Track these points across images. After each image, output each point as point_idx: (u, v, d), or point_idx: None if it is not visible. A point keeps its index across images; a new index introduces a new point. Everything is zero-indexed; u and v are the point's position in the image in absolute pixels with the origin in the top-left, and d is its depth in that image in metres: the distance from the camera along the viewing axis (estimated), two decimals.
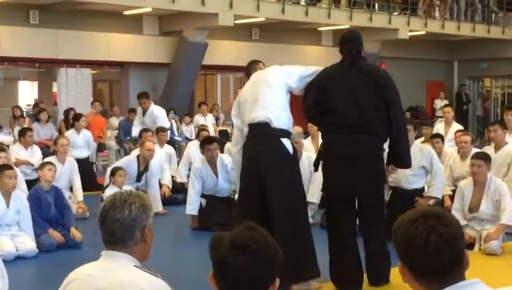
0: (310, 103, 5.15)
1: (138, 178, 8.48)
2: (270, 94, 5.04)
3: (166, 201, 8.82)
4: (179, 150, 12.22)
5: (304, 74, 5.24)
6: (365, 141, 4.93)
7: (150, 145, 8.69)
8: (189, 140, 12.70)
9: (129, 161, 8.63)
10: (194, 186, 7.57)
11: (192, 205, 7.53)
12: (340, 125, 4.97)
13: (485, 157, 6.56)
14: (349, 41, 5.13)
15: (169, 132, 11.66)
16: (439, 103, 20.10)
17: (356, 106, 4.92)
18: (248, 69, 5.51)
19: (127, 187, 7.46)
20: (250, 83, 5.29)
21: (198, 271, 4.78)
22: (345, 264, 5.02)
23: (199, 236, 6.99)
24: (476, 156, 6.61)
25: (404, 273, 1.86)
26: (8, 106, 16.06)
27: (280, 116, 5.00)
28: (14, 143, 10.38)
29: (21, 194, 6.57)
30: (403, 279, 1.87)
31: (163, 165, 9.51)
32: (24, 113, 14.82)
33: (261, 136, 4.98)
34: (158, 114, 11.14)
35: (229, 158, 7.82)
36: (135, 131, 11.08)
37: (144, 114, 11.26)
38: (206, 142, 7.72)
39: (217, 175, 7.60)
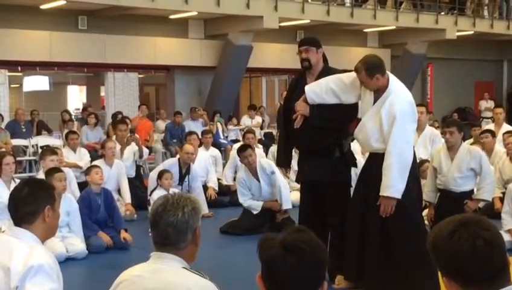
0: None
1: (180, 181, 8.52)
2: None
3: (212, 203, 8.86)
4: (225, 152, 12.28)
5: None
6: None
7: (189, 148, 8.75)
8: (235, 142, 12.75)
9: (171, 164, 8.69)
10: (244, 195, 7.63)
11: (254, 205, 7.56)
12: None
13: None
14: None
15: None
16: (484, 104, 19.73)
17: None
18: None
19: (174, 190, 7.53)
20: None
21: (245, 273, 4.78)
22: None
23: (245, 238, 7.01)
24: None
25: (450, 287, 1.81)
26: (58, 110, 16.42)
27: None
28: (63, 146, 10.59)
29: (71, 196, 6.69)
30: None
31: (209, 167, 9.56)
32: (73, 117, 15.10)
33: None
34: None
35: (268, 161, 7.95)
36: None
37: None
38: (240, 151, 7.77)
39: (258, 181, 7.62)
